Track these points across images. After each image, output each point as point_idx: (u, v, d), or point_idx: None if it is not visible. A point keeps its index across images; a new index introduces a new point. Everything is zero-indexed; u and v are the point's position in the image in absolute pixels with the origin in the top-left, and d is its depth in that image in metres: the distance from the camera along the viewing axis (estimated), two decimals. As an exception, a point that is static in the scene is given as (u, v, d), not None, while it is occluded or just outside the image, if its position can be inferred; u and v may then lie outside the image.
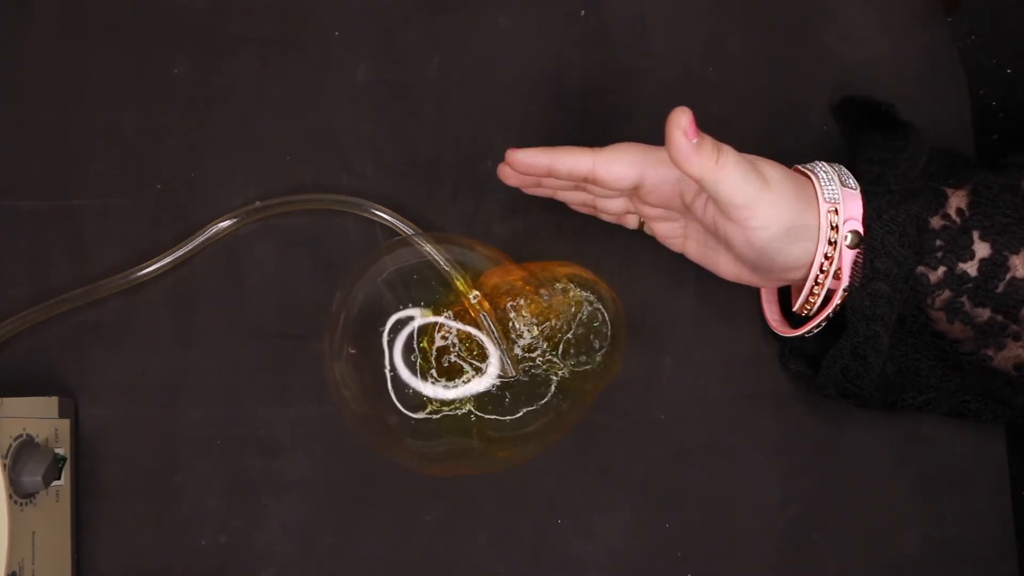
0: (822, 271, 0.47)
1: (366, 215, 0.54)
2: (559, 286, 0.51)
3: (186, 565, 0.54)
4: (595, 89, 0.57)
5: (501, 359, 0.50)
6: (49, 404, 0.53)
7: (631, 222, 0.54)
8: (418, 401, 0.50)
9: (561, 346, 0.50)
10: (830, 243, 0.46)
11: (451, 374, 0.50)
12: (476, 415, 0.50)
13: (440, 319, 0.51)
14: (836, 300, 0.48)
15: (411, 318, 0.51)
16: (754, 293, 0.55)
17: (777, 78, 0.57)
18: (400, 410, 0.50)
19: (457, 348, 0.50)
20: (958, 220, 0.46)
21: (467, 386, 0.50)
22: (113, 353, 0.55)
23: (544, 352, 0.50)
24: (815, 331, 0.50)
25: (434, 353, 0.50)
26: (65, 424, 0.53)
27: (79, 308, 0.55)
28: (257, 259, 0.56)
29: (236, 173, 0.57)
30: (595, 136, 0.56)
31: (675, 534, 0.54)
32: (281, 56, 0.58)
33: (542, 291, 0.51)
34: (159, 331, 0.55)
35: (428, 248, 0.51)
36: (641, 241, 0.55)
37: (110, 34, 0.58)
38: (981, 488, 0.54)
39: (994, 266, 0.45)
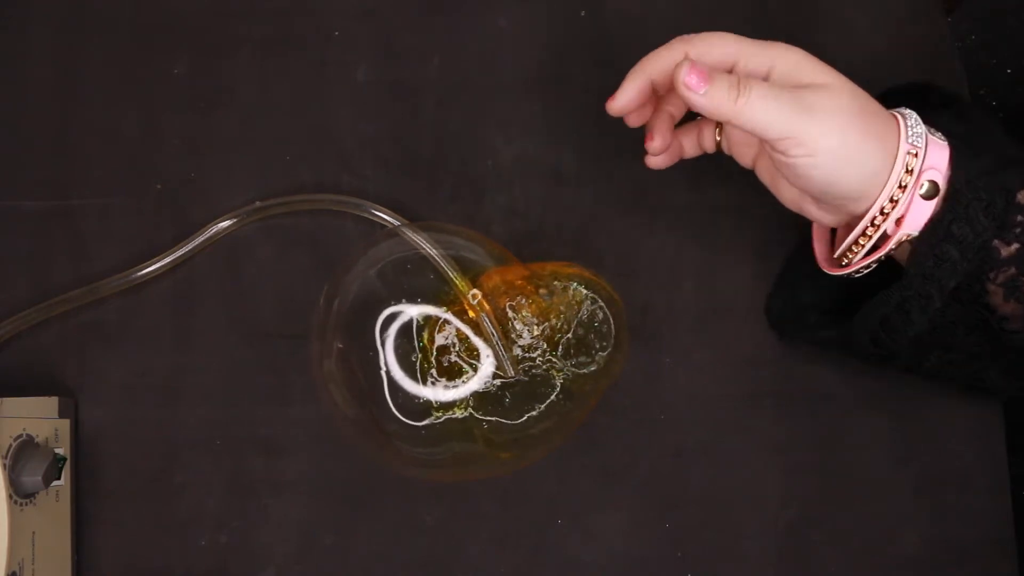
0: (883, 213, 0.44)
1: (366, 215, 0.54)
2: (559, 285, 0.51)
3: (186, 565, 0.54)
4: (595, 89, 0.57)
5: (500, 359, 0.50)
6: (49, 404, 0.53)
7: (708, 138, 0.51)
8: (420, 407, 0.50)
9: (561, 346, 0.50)
10: (900, 186, 0.43)
11: (451, 374, 0.50)
12: (477, 417, 0.50)
13: (439, 312, 0.51)
14: (891, 245, 0.45)
15: (410, 317, 0.51)
16: (754, 293, 0.55)
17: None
18: (401, 419, 0.50)
19: (457, 348, 0.50)
20: None
21: (465, 385, 0.50)
22: (113, 353, 0.55)
23: (544, 352, 0.50)
24: (864, 272, 0.47)
25: (434, 353, 0.50)
26: (65, 424, 0.53)
27: (79, 308, 0.55)
28: (257, 259, 0.56)
29: (236, 173, 0.57)
30: (595, 135, 0.56)
31: (675, 534, 0.54)
32: (281, 56, 0.58)
33: (542, 291, 0.51)
34: (159, 331, 0.55)
35: (428, 248, 0.51)
36: (641, 241, 0.55)
37: (110, 34, 0.58)
38: (981, 488, 0.54)
39: None
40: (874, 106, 0.45)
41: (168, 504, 0.54)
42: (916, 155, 0.44)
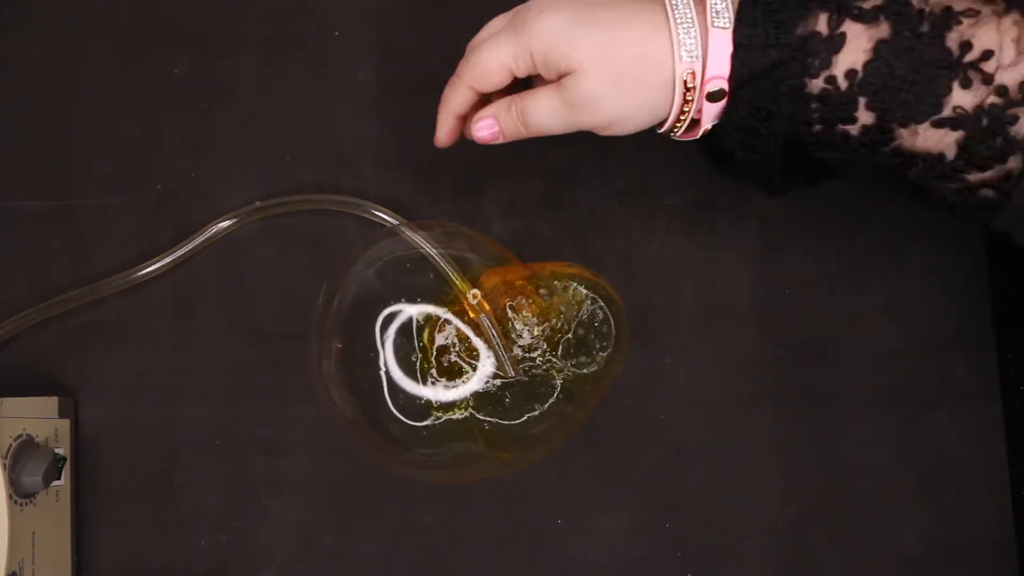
0: (679, 120, 0.45)
1: (366, 215, 0.54)
2: (559, 285, 0.51)
3: (186, 565, 0.54)
4: (595, 89, 0.57)
5: (500, 359, 0.50)
6: (49, 404, 0.53)
7: None
8: (421, 408, 0.50)
9: (561, 346, 0.50)
10: (686, 101, 0.43)
11: (451, 374, 0.50)
12: (478, 418, 0.50)
13: (439, 311, 0.51)
14: (702, 129, 0.45)
15: (409, 316, 0.51)
16: (754, 294, 0.55)
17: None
18: (401, 419, 0.50)
19: (457, 348, 0.50)
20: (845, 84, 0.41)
21: (465, 385, 0.50)
22: (113, 353, 0.55)
23: (544, 352, 0.50)
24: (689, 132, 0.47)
25: (434, 352, 0.50)
26: (65, 424, 0.53)
27: (79, 308, 0.55)
28: (257, 259, 0.56)
29: (236, 173, 0.57)
30: (594, 135, 0.56)
31: (675, 534, 0.54)
32: (281, 56, 0.58)
33: (542, 291, 0.51)
34: (159, 331, 0.55)
35: (428, 248, 0.51)
36: (641, 241, 0.55)
37: (110, 34, 0.58)
38: (981, 488, 0.54)
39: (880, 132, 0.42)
40: (633, 47, 0.43)
41: (168, 504, 0.54)
42: (693, 73, 0.42)
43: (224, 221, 0.55)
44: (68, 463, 0.53)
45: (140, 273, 0.55)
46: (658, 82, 0.43)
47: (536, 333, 0.50)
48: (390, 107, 0.57)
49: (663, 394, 0.55)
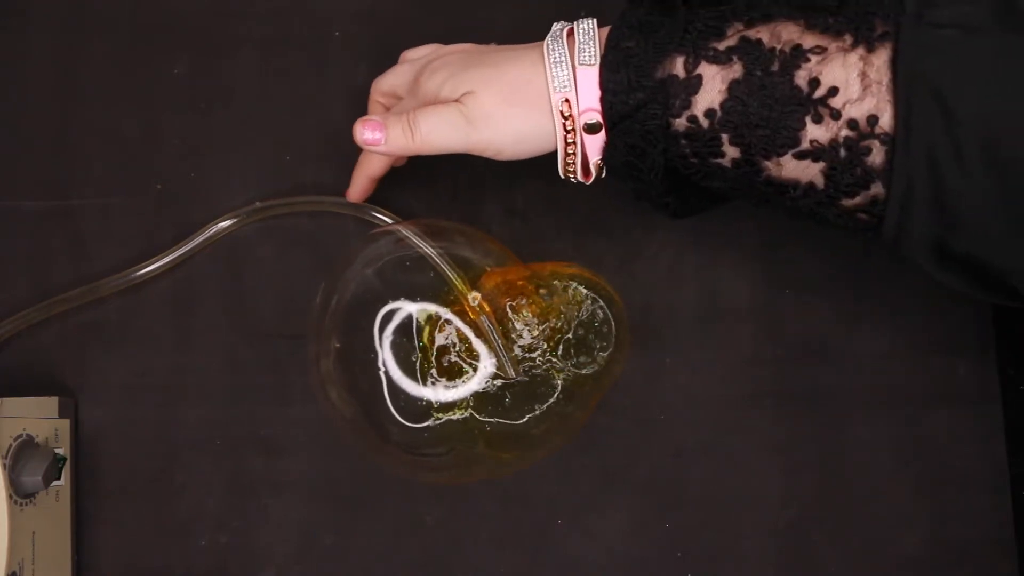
0: (568, 153, 0.46)
1: (366, 217, 0.54)
2: (560, 285, 0.51)
3: (186, 565, 0.54)
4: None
5: (500, 359, 0.50)
6: (49, 404, 0.53)
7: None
8: (421, 408, 0.50)
9: (562, 346, 0.50)
10: (567, 131, 0.45)
11: (451, 374, 0.50)
12: (478, 418, 0.50)
13: (439, 309, 0.51)
14: (593, 170, 0.47)
15: (408, 314, 0.51)
16: (754, 294, 0.55)
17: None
18: (401, 421, 0.50)
19: (457, 348, 0.50)
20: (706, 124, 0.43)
21: (465, 385, 0.50)
22: (113, 353, 0.55)
23: (544, 352, 0.50)
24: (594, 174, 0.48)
25: (434, 352, 0.50)
26: (65, 424, 0.53)
27: (79, 308, 0.55)
28: (257, 259, 0.56)
29: (236, 173, 0.57)
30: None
31: (675, 534, 0.54)
32: (281, 56, 0.58)
33: (542, 291, 0.51)
34: (159, 331, 0.55)
35: (427, 248, 0.51)
36: (641, 241, 0.55)
37: (110, 34, 0.58)
38: (981, 488, 0.54)
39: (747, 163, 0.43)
40: (518, 77, 0.46)
41: (168, 504, 0.54)
42: (568, 102, 0.45)
43: (224, 221, 0.55)
44: (68, 463, 0.53)
45: (140, 273, 0.55)
46: (542, 108, 0.45)
47: (536, 333, 0.50)
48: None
49: (663, 394, 0.55)
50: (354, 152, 0.57)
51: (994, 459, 0.54)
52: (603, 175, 0.48)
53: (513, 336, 0.50)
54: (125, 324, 0.56)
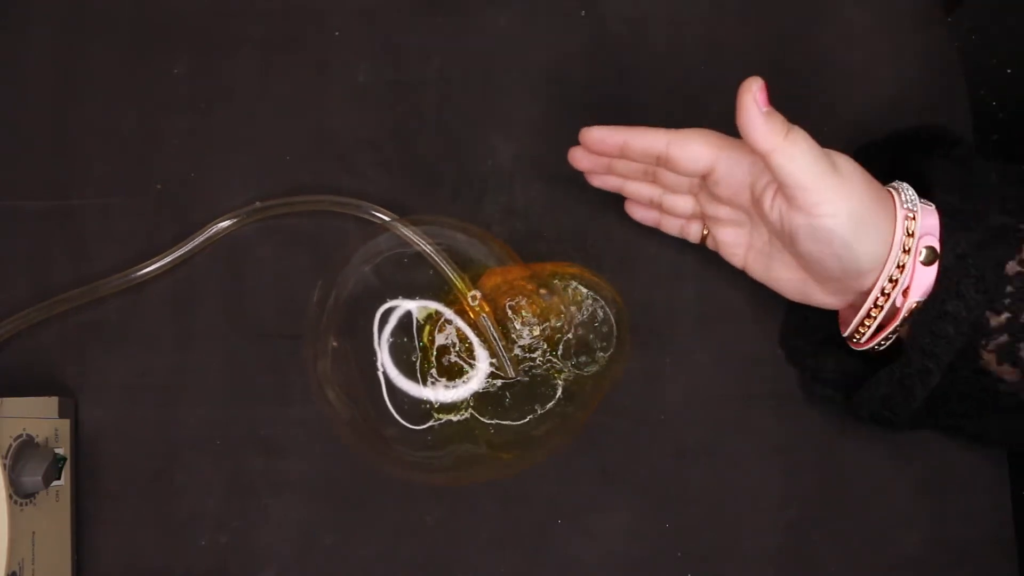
0: (891, 281, 0.45)
1: (366, 216, 0.54)
2: (560, 285, 0.51)
3: (186, 565, 0.54)
4: (595, 89, 0.57)
5: (500, 359, 0.50)
6: (49, 404, 0.53)
7: (694, 232, 0.53)
8: (421, 409, 0.50)
9: (562, 346, 0.50)
10: (904, 250, 0.45)
11: (452, 374, 0.50)
12: (478, 419, 0.50)
13: (438, 307, 0.51)
14: (902, 315, 0.46)
15: (406, 311, 0.51)
16: (754, 294, 0.55)
17: (777, 78, 0.57)
18: (401, 422, 0.50)
19: (457, 348, 0.50)
20: None
21: (466, 385, 0.50)
22: (113, 353, 0.55)
23: (545, 352, 0.50)
24: (884, 344, 0.49)
25: (434, 352, 0.50)
26: (65, 424, 0.53)
27: (79, 308, 0.55)
28: (257, 259, 0.56)
29: (236, 173, 0.57)
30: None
31: (675, 534, 0.54)
32: (281, 56, 0.58)
33: (543, 291, 0.51)
34: (159, 331, 0.55)
35: (426, 247, 0.51)
36: (641, 241, 0.55)
37: (110, 34, 0.58)
38: (981, 488, 0.54)
39: None
40: (873, 179, 0.46)
41: (168, 504, 0.54)
42: (913, 218, 0.45)
43: (224, 221, 0.55)
44: (68, 463, 0.53)
45: (140, 273, 0.55)
46: (889, 215, 0.45)
47: (536, 333, 0.50)
48: (390, 107, 0.57)
49: (663, 394, 0.55)
50: (353, 152, 0.57)
51: (994, 459, 0.54)
52: (897, 334, 0.47)
53: (513, 336, 0.50)
54: (125, 324, 0.56)
